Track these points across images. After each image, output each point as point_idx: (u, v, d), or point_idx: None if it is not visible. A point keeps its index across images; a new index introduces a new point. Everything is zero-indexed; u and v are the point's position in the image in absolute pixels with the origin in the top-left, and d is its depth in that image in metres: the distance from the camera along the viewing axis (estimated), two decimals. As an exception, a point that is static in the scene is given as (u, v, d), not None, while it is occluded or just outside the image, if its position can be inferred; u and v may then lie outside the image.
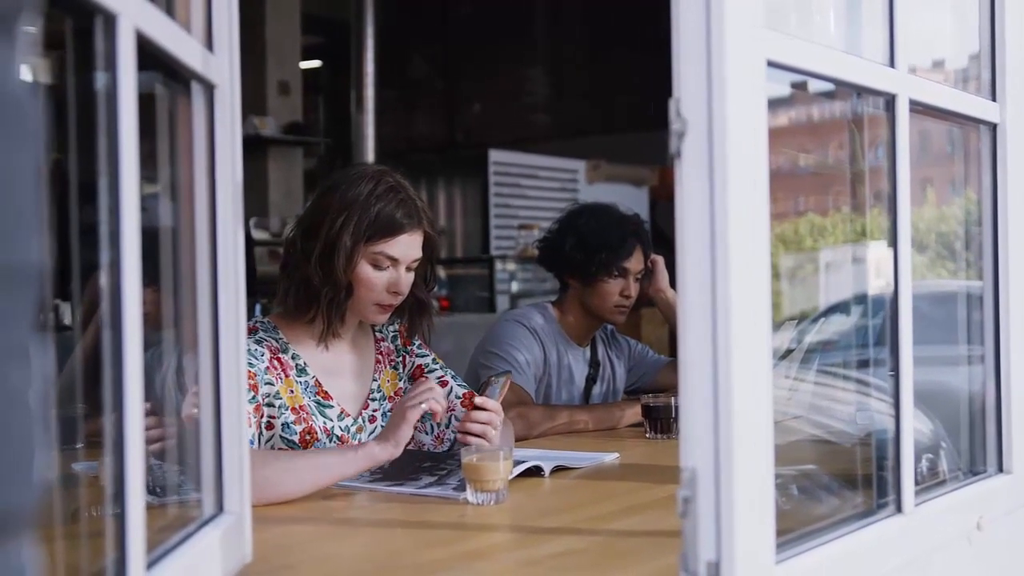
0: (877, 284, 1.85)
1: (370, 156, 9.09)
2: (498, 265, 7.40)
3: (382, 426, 2.27)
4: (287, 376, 2.17)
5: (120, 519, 0.98)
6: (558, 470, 2.16)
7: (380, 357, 2.36)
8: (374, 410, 2.31)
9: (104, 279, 0.99)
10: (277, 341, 2.21)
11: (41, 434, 0.57)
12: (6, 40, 0.57)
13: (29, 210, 0.56)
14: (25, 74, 0.59)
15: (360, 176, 2.19)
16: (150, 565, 1.06)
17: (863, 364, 1.91)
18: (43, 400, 0.57)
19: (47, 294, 0.62)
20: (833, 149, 1.99)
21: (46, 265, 0.59)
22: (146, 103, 1.06)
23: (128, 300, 0.98)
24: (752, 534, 1.16)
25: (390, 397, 2.34)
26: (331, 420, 2.21)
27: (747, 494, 1.15)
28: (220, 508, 1.35)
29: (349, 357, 2.30)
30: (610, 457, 2.32)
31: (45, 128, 0.60)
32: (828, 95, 1.68)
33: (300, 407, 2.17)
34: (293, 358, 2.21)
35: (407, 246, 2.19)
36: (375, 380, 2.33)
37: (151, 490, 1.20)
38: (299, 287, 2.19)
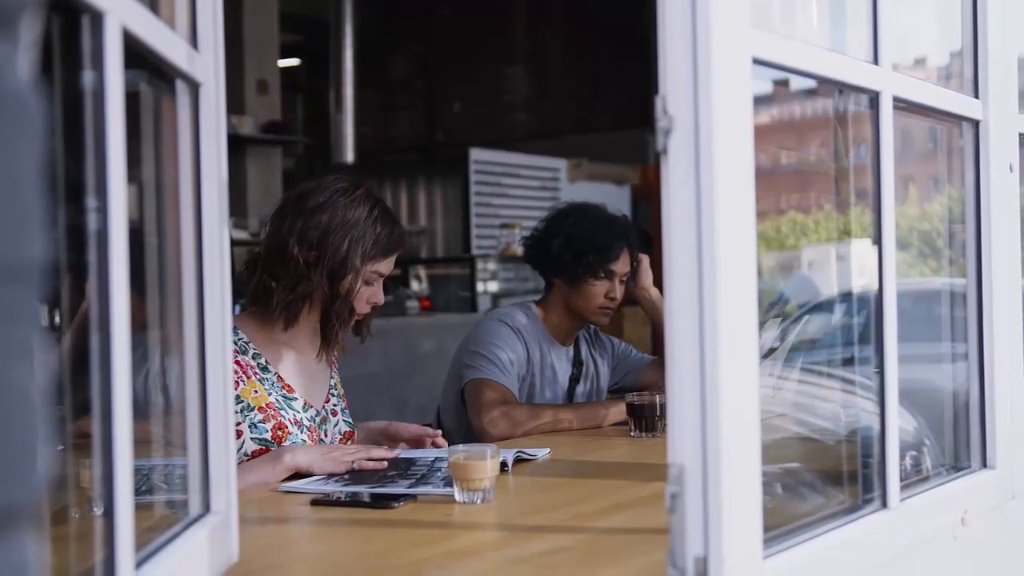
0: (860, 282, 1.86)
1: (349, 156, 9.06)
2: (479, 264, 7.39)
3: (344, 420, 2.40)
4: (249, 377, 2.19)
5: (109, 519, 0.98)
6: (519, 462, 2.21)
7: (334, 358, 2.44)
8: (334, 404, 2.40)
9: (90, 280, 0.98)
10: (236, 343, 2.21)
11: (45, 430, 0.57)
12: (8, 38, 0.57)
13: (33, 207, 0.56)
14: (26, 72, 0.58)
15: (351, 195, 2.24)
16: (138, 565, 1.05)
17: (847, 361, 1.92)
18: (45, 396, 0.57)
19: (46, 291, 0.62)
20: (815, 147, 1.99)
21: (47, 262, 0.59)
22: (130, 102, 1.05)
23: (115, 301, 0.98)
24: (740, 529, 1.17)
25: (343, 395, 2.44)
26: (298, 412, 2.26)
27: (735, 489, 1.15)
28: (207, 508, 1.34)
29: (308, 355, 2.35)
30: (542, 453, 2.34)
31: (44, 125, 0.60)
32: (809, 92, 1.69)
33: (267, 405, 2.20)
34: (254, 357, 2.24)
35: (393, 262, 2.31)
36: (332, 378, 2.42)
37: (136, 490, 1.20)
38: (300, 301, 2.22)
